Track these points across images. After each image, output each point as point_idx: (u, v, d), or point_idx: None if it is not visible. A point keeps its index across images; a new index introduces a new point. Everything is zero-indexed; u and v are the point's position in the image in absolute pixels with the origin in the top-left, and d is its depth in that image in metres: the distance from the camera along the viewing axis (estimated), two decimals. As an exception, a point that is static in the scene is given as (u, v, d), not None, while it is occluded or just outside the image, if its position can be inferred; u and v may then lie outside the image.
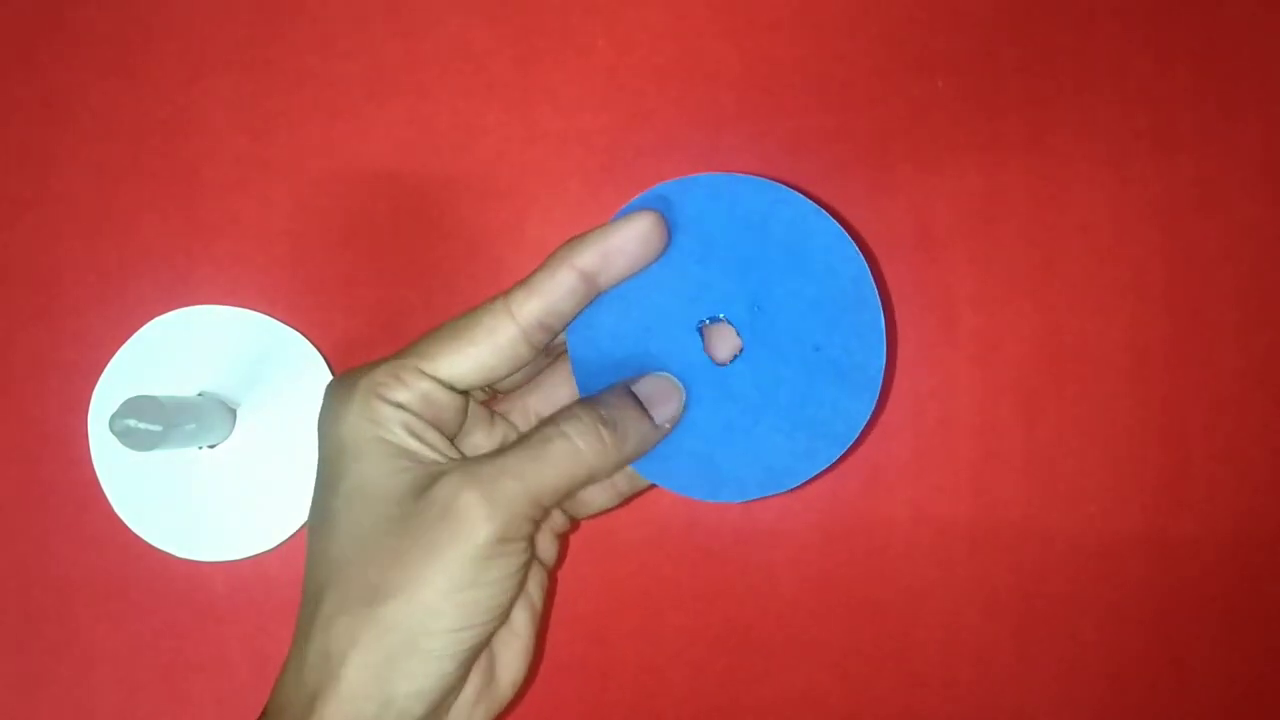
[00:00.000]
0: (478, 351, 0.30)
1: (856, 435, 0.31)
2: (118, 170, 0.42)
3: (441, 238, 0.42)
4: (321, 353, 0.41)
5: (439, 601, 0.28)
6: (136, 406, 0.33)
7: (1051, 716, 0.42)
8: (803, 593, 0.42)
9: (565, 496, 0.29)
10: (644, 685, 0.41)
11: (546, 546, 0.34)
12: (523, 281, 0.30)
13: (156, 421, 0.33)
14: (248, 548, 0.40)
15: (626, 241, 0.30)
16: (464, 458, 0.30)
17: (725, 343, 0.32)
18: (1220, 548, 0.41)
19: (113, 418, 0.33)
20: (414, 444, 0.29)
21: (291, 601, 0.41)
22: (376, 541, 0.28)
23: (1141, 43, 0.42)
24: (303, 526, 0.40)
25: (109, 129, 0.42)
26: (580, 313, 0.31)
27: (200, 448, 0.40)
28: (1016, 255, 0.42)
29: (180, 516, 0.40)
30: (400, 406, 0.29)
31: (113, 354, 0.41)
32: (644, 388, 0.31)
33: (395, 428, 0.29)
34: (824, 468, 0.31)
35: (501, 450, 0.29)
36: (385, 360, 0.30)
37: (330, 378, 0.41)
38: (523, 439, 0.29)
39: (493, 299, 0.30)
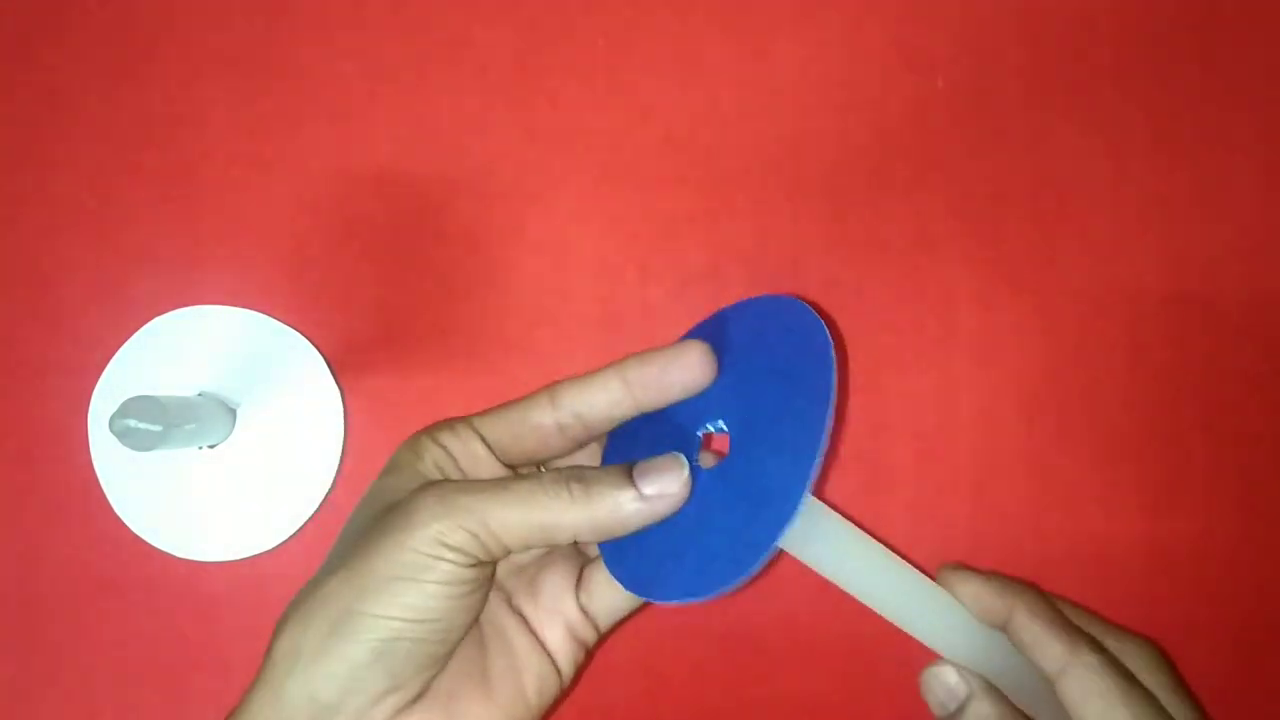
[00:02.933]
0: (516, 428, 0.32)
1: (765, 557, 0.29)
2: (118, 170, 0.42)
3: (441, 238, 0.42)
4: (321, 353, 0.41)
5: (371, 583, 0.29)
6: (136, 406, 0.33)
7: (1051, 716, 0.42)
8: (802, 593, 0.41)
9: (523, 537, 0.29)
10: (644, 685, 0.41)
11: (561, 646, 0.33)
12: (577, 376, 0.33)
13: (156, 421, 0.33)
14: (248, 548, 0.40)
15: (677, 371, 0.32)
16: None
17: (706, 455, 0.33)
18: (1220, 548, 0.41)
19: (113, 418, 0.33)
20: (434, 474, 0.32)
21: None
22: (354, 536, 0.31)
23: (1141, 43, 0.42)
24: (302, 526, 0.40)
25: (109, 129, 0.42)
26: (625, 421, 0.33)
27: (200, 448, 0.40)
28: (1016, 255, 0.42)
29: (180, 516, 0.40)
30: (442, 447, 0.32)
31: (113, 354, 0.41)
32: (644, 463, 0.31)
33: (427, 458, 0.32)
34: (733, 584, 0.29)
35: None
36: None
37: (327, 375, 0.41)
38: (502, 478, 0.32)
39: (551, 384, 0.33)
